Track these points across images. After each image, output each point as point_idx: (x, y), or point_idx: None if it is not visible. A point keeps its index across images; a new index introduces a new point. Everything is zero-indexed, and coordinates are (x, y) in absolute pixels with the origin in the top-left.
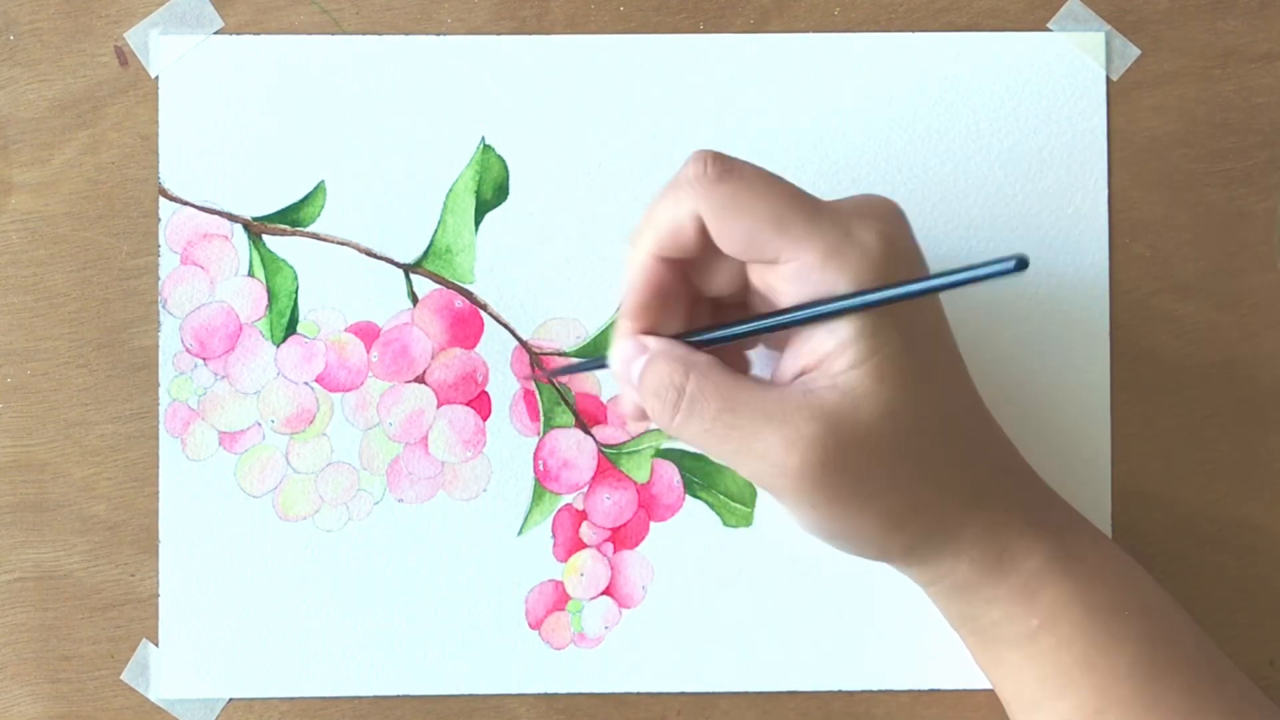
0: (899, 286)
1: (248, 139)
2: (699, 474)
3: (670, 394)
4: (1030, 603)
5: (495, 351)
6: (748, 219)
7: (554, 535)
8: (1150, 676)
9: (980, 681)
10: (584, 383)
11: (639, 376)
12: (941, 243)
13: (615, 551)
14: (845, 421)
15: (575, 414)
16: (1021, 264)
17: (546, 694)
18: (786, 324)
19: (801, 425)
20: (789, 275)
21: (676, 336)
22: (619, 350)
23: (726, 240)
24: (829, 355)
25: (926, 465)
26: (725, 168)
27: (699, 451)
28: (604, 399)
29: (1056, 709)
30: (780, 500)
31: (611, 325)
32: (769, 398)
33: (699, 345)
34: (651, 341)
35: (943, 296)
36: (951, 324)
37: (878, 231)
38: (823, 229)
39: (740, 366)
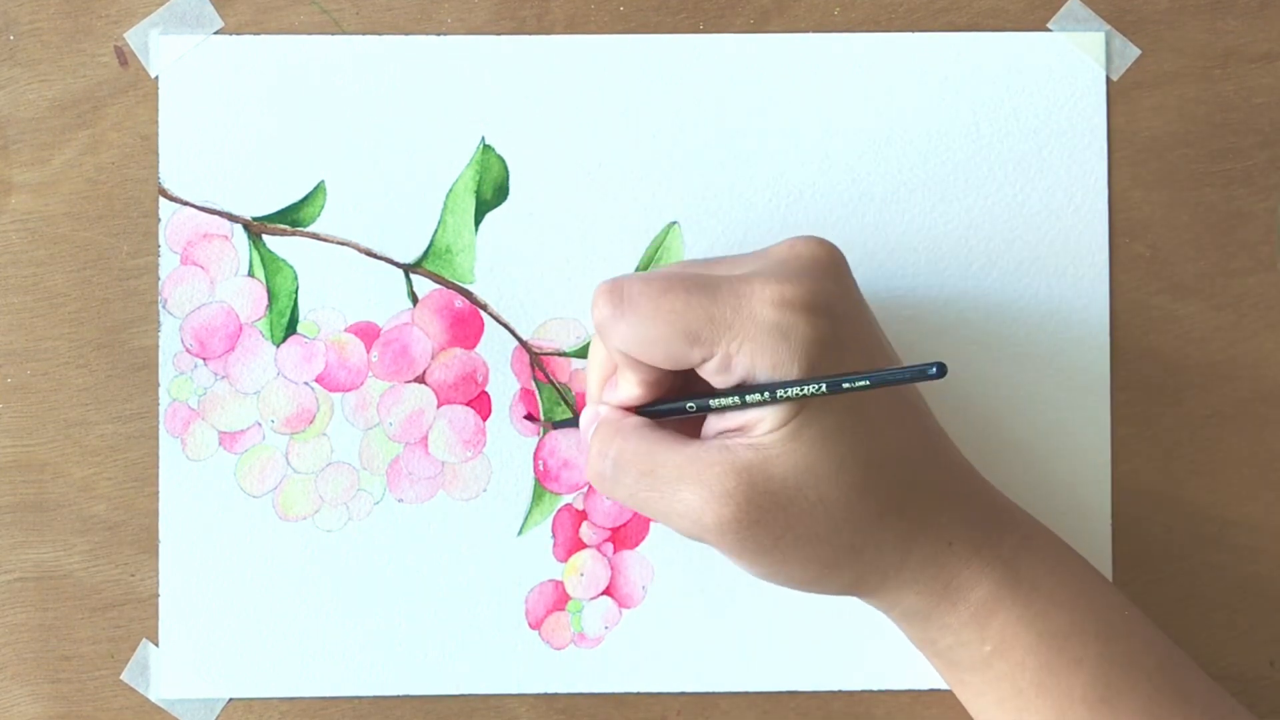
0: (802, 385)
1: (248, 139)
2: None
3: (599, 460)
4: (981, 629)
5: (495, 351)
6: (657, 345)
7: (554, 535)
8: (1105, 698)
9: None
10: (584, 383)
11: (602, 430)
12: (941, 242)
13: (615, 551)
14: (759, 477)
15: (575, 414)
16: (941, 371)
17: (546, 694)
18: (714, 410)
19: (715, 482)
20: (711, 370)
21: (638, 409)
22: (584, 416)
23: (652, 363)
24: (749, 421)
25: (852, 511)
26: (615, 302)
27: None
28: None
29: None
30: (714, 550)
31: None
32: (688, 456)
33: (655, 414)
34: (604, 409)
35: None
36: (951, 325)
37: (778, 304)
38: (725, 321)
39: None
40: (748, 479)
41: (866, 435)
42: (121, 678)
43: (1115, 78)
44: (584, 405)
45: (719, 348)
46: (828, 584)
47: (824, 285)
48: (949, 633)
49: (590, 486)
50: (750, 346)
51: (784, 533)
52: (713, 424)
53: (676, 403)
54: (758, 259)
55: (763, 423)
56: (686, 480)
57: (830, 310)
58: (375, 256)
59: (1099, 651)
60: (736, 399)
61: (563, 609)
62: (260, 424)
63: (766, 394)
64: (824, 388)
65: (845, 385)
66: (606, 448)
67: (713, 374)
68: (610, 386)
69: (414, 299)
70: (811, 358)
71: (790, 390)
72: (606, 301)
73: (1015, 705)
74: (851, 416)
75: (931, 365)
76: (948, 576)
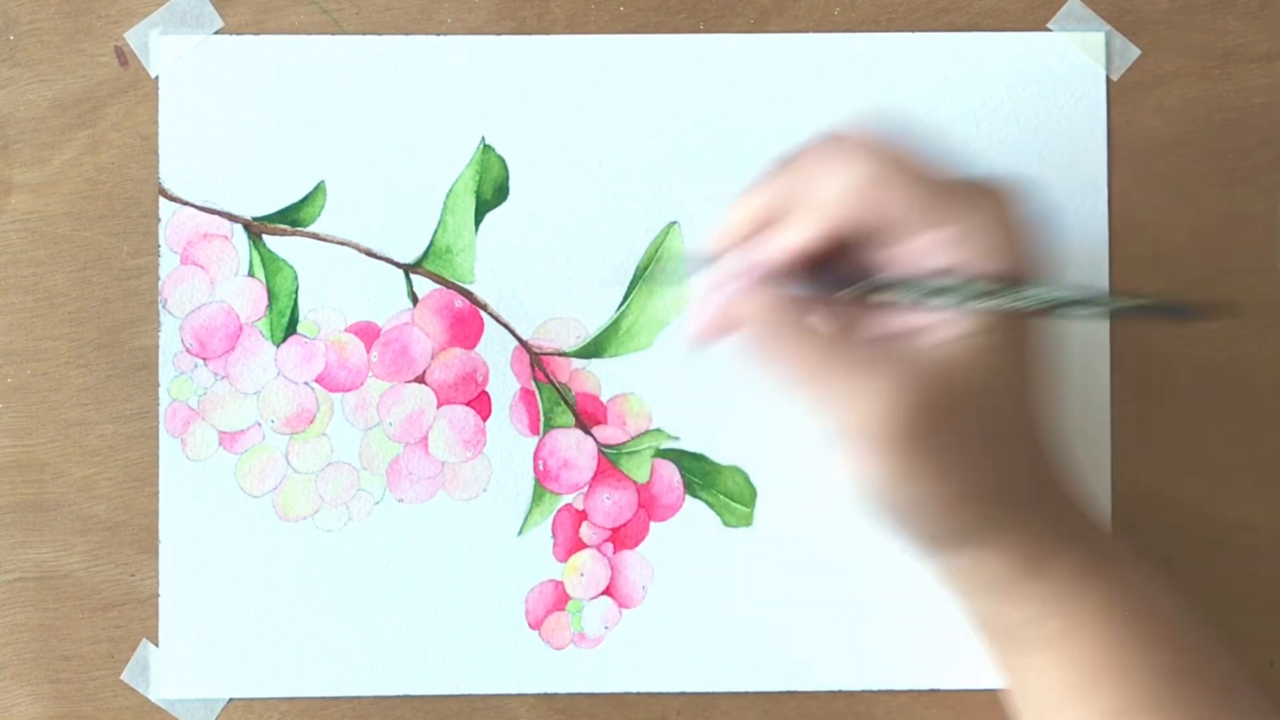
0: (1082, 292)
1: (248, 139)
2: (699, 474)
3: (782, 316)
4: (1059, 605)
5: (495, 351)
6: (895, 191)
7: (554, 535)
8: (1173, 682)
9: (980, 681)
10: (584, 383)
11: (751, 296)
12: None
13: (615, 551)
14: (944, 382)
15: (575, 414)
16: (1198, 311)
17: (546, 694)
18: (933, 294)
19: (900, 376)
20: (942, 239)
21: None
22: (733, 263)
23: (890, 205)
24: (941, 320)
25: (1003, 452)
26: (877, 139)
27: (782, 389)
28: (604, 399)
29: (1077, 712)
30: (856, 452)
31: (611, 325)
32: (872, 348)
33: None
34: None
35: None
36: None
37: (1023, 215)
38: (978, 197)
39: None
40: (933, 381)
41: (1034, 385)
42: (121, 678)
43: (1115, 78)
44: (583, 404)
45: (957, 225)
46: (944, 520)
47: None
48: (1027, 605)
49: (590, 486)
50: (991, 238)
51: (945, 450)
52: (881, 322)
53: (858, 281)
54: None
55: (958, 323)
56: (872, 366)
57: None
58: (375, 256)
59: (1166, 633)
60: (990, 288)
61: (563, 609)
62: (260, 424)
63: (1036, 292)
64: (1087, 295)
65: (1099, 302)
66: (793, 309)
67: (936, 246)
68: (770, 235)
69: (414, 299)
70: (1035, 270)
71: (1055, 294)
72: (871, 132)
73: (1082, 688)
74: (1030, 360)
75: (1178, 304)
76: (1040, 547)
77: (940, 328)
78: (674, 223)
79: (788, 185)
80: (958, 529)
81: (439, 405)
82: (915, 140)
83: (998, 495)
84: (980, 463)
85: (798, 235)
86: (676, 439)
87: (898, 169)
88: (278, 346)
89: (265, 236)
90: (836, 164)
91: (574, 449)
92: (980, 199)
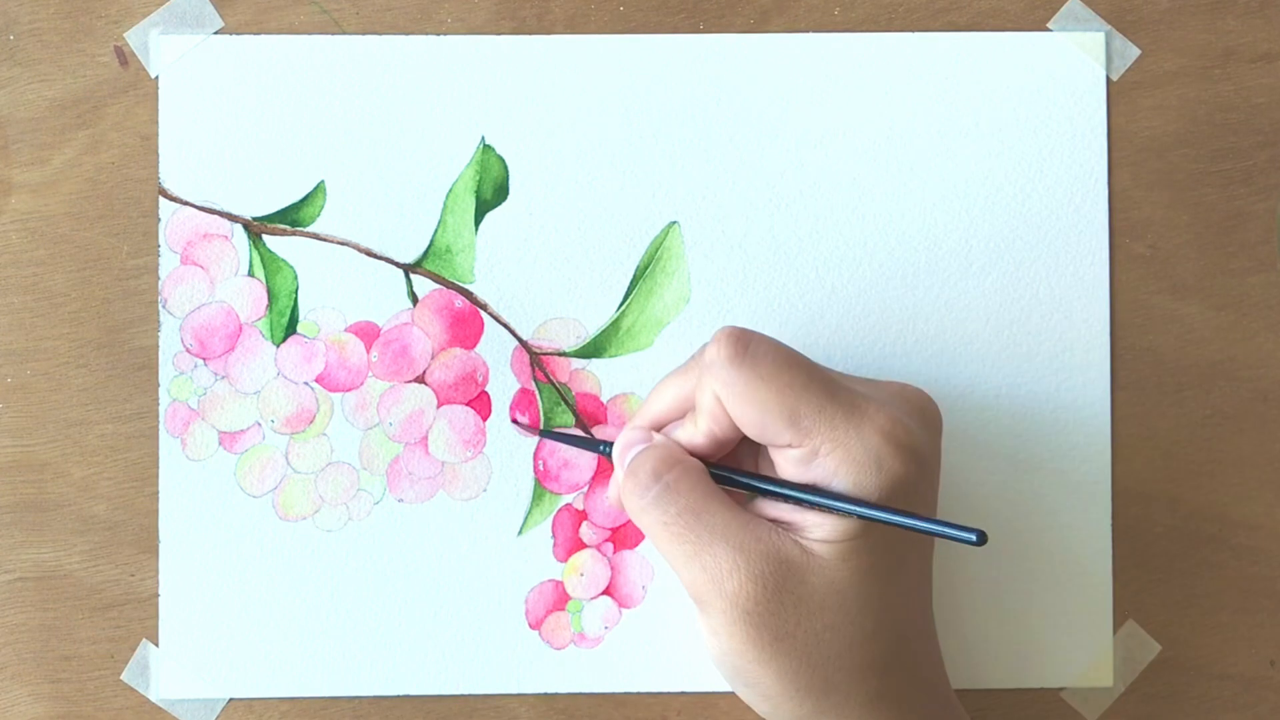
0: (883, 511)
1: (248, 139)
2: None
3: (648, 478)
4: None
5: (495, 351)
6: (758, 408)
7: (554, 535)
8: None
9: (980, 681)
10: (584, 383)
11: (630, 459)
12: (941, 242)
13: (615, 551)
14: (795, 575)
15: (575, 414)
16: (981, 538)
17: (546, 694)
18: (777, 495)
19: (756, 558)
20: (793, 458)
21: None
22: (624, 437)
23: (741, 423)
24: (802, 522)
25: (849, 654)
26: (740, 351)
27: (651, 543)
28: (604, 399)
29: None
30: (705, 618)
31: (611, 325)
32: (740, 521)
33: (715, 473)
34: (657, 437)
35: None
36: (951, 323)
37: (886, 434)
38: (833, 421)
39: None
40: (785, 571)
41: (895, 596)
42: (121, 678)
43: (1115, 78)
44: (584, 404)
45: (812, 441)
46: (779, 706)
47: (925, 436)
48: None
49: (590, 486)
50: (842, 456)
51: (786, 638)
52: (763, 507)
53: (747, 475)
54: (868, 384)
55: (818, 529)
56: (729, 541)
57: (922, 460)
58: (375, 256)
59: None
60: (812, 498)
61: (563, 609)
62: (260, 424)
63: (841, 504)
64: (884, 516)
65: (901, 521)
66: (663, 470)
67: (789, 462)
68: (678, 425)
69: (414, 299)
70: (891, 493)
71: (860, 510)
72: (731, 345)
73: None
74: (894, 565)
75: (973, 531)
76: None
77: (813, 526)
78: (674, 223)
79: (684, 387)
80: (790, 717)
81: (439, 405)
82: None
83: (836, 697)
84: (819, 662)
85: (689, 435)
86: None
87: (754, 386)
88: (278, 346)
89: (265, 236)
90: (706, 376)
91: (574, 449)
92: (841, 418)
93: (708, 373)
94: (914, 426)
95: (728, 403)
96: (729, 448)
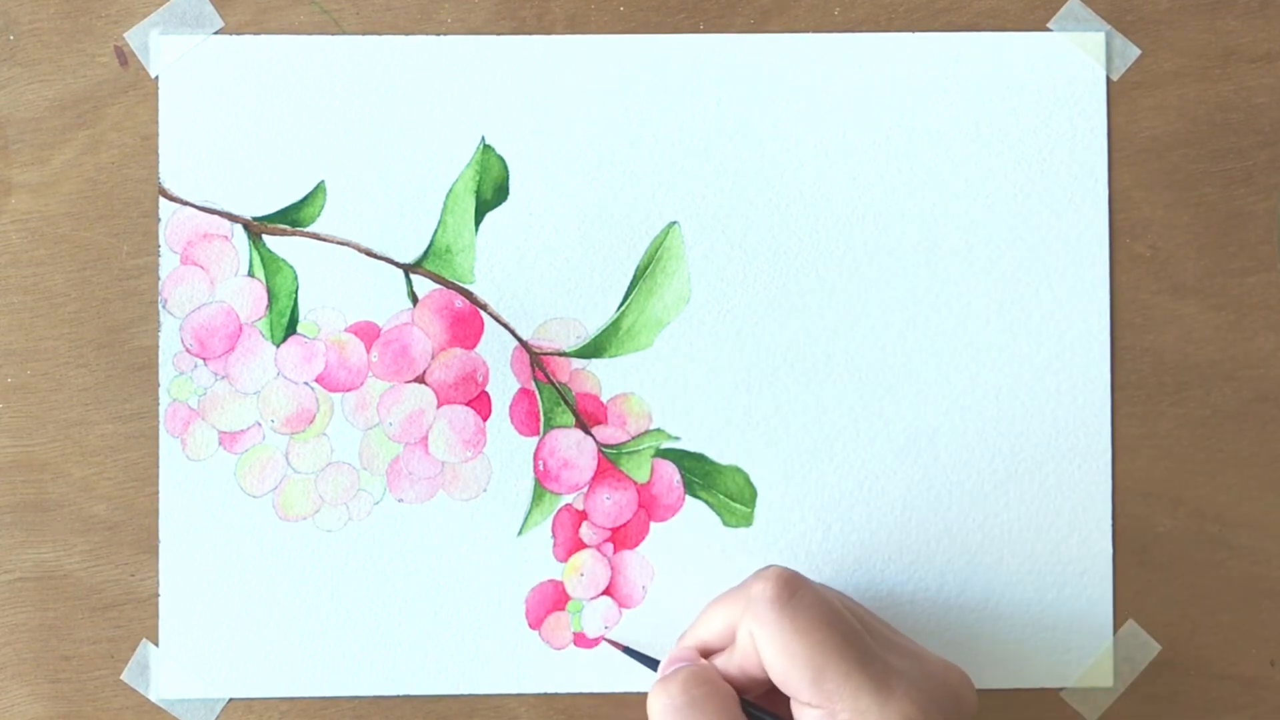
0: None
1: (248, 139)
2: (699, 474)
3: (677, 690)
4: None
5: (495, 351)
6: (786, 658)
7: (554, 535)
8: None
9: (980, 681)
10: (584, 383)
11: (667, 671)
12: (941, 242)
13: (615, 551)
14: None
15: (575, 414)
16: None
17: (546, 694)
18: None
19: None
20: (812, 717)
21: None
22: (672, 654)
23: (768, 668)
24: None
25: None
26: (784, 597)
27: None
28: (604, 399)
29: None
30: None
31: (611, 325)
32: None
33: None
34: (703, 661)
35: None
36: (951, 323)
37: (918, 708)
38: (857, 691)
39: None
40: None
41: None
42: (121, 678)
43: (1115, 78)
44: (584, 403)
45: (833, 706)
46: None
47: (965, 712)
48: None
49: (590, 486)
50: None
51: None
52: None
53: (776, 718)
54: (913, 656)
55: None
56: None
57: None
58: (375, 256)
59: None
60: None
61: (562, 609)
62: (260, 424)
63: None
64: None
65: None
66: (693, 686)
67: (808, 717)
68: (720, 655)
69: (414, 299)
70: None
71: None
72: (776, 588)
73: None
74: None
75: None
76: None
77: None
78: (674, 223)
79: (733, 613)
80: None
81: (439, 405)
82: (835, 603)
83: None
84: None
85: (724, 663)
86: (677, 439)
87: (787, 635)
88: (278, 346)
89: (265, 236)
90: (747, 612)
91: (574, 449)
92: (868, 690)
93: (749, 608)
94: (941, 716)
95: (759, 644)
96: (764, 686)
